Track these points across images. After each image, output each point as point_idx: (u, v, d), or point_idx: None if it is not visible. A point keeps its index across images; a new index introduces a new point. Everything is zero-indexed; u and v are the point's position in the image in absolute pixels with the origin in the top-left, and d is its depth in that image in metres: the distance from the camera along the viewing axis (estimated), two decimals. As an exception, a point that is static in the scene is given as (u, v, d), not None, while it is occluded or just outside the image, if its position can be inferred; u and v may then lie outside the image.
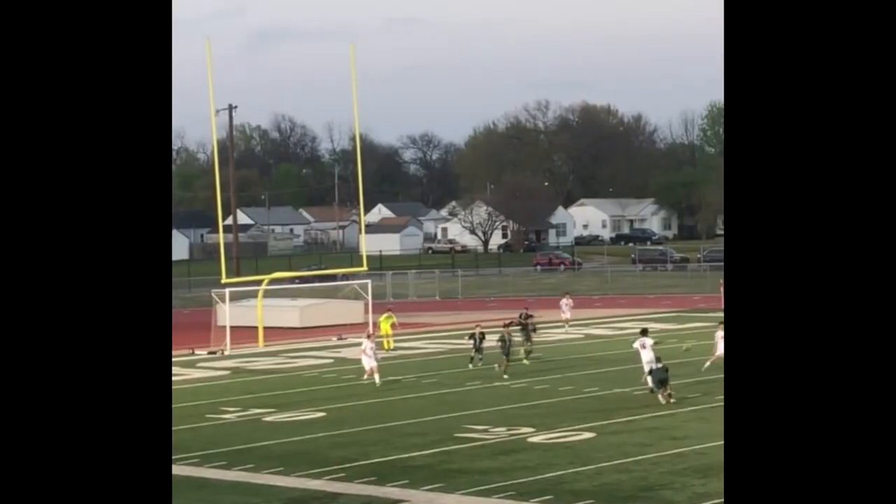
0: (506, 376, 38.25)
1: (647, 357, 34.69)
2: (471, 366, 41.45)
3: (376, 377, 37.29)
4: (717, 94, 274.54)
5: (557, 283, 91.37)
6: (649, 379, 33.64)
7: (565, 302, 57.20)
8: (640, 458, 25.16)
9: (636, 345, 35.65)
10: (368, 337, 39.37)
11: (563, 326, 55.42)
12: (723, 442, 26.99)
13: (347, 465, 25.20)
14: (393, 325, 50.60)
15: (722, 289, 67.34)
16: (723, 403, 32.31)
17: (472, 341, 42.27)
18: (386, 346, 49.52)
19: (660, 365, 33.05)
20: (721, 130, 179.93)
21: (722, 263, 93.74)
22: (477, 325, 44.17)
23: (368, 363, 38.04)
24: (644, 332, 36.24)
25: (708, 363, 38.26)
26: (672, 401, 32.33)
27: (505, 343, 39.76)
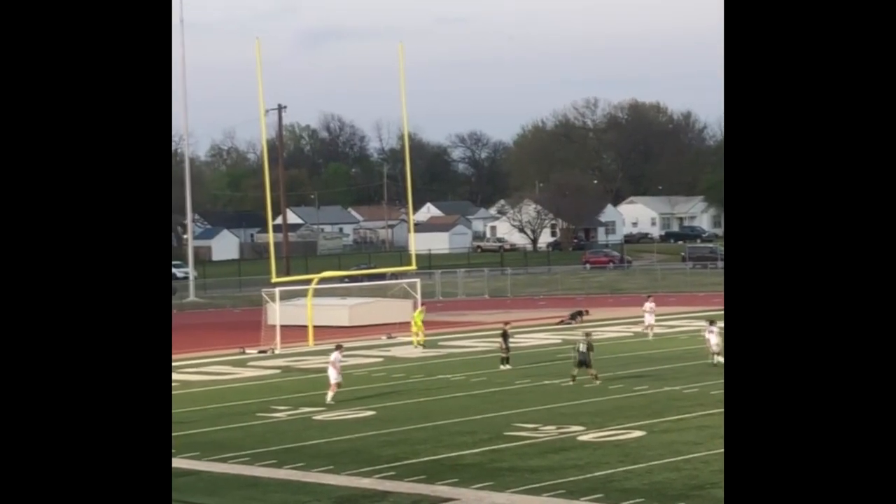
0: (597, 381, 36.57)
1: (714, 340, 39.31)
2: (503, 367, 41.09)
3: (330, 394, 34.25)
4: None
5: (606, 282, 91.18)
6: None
7: (650, 306, 52.11)
8: (690, 456, 25.07)
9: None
10: (339, 349, 35.95)
11: (646, 335, 50.68)
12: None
13: (397, 464, 25.25)
14: (423, 321, 50.88)
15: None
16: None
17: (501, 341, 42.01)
18: (415, 342, 49.70)
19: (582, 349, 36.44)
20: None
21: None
22: (507, 324, 44.09)
23: (334, 377, 34.61)
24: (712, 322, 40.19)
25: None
26: (597, 382, 35.81)
27: (588, 349, 37.28)
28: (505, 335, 42.07)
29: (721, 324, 39.64)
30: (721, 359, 39.11)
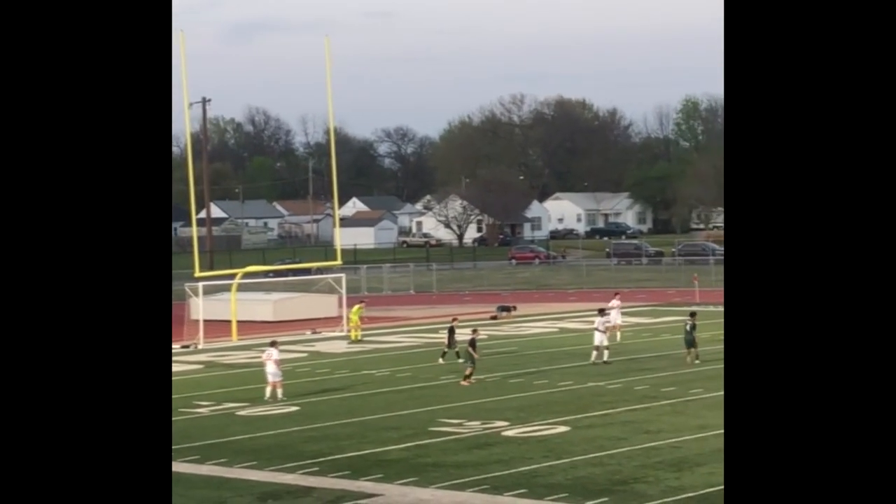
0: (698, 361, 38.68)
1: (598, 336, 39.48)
2: (441, 360, 41.31)
3: (268, 391, 33.89)
4: (691, 89, 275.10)
5: (532, 277, 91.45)
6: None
7: (616, 303, 47.71)
8: (614, 451, 25.17)
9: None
10: (273, 345, 34.92)
11: (614, 336, 45.29)
12: (697, 435, 27.13)
13: (321, 459, 25.12)
14: (361, 318, 50.82)
15: (696, 282, 67.56)
16: (697, 398, 32.60)
17: (447, 335, 42.10)
18: (353, 336, 49.71)
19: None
20: (695, 124, 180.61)
21: (696, 257, 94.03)
22: (454, 319, 44.16)
23: (273, 375, 34.03)
24: (602, 312, 40.75)
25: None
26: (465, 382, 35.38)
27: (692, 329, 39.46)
28: (451, 330, 42.21)
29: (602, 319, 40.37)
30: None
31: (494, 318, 58.13)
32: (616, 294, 50.92)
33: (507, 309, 59.63)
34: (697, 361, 38.82)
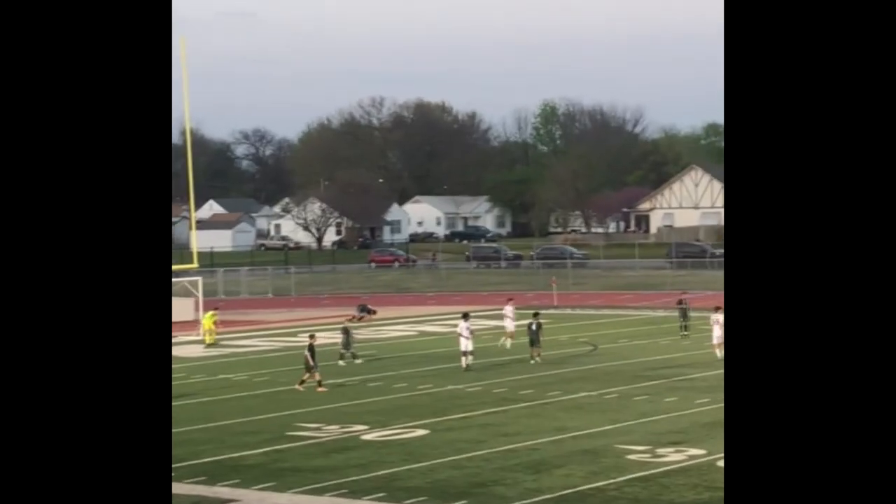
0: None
1: (465, 342, 39.18)
2: (341, 362, 41.22)
3: None
4: (549, 93, 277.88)
5: (391, 280, 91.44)
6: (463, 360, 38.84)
7: (509, 309, 46.23)
8: (472, 454, 25.23)
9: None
10: None
11: (505, 345, 45.02)
12: (554, 438, 27.36)
13: (177, 465, 24.66)
14: (216, 323, 50.37)
15: (554, 286, 68.20)
16: (554, 400, 32.89)
17: (342, 336, 42.33)
18: (207, 340, 49.30)
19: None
20: (554, 129, 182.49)
21: (554, 260, 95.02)
22: (346, 319, 44.18)
23: None
24: (466, 317, 40.38)
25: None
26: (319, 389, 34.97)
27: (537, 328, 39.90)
28: (346, 331, 42.48)
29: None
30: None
31: (353, 319, 57.99)
32: (509, 300, 48.80)
33: (368, 311, 59.49)
34: (538, 360, 40.24)
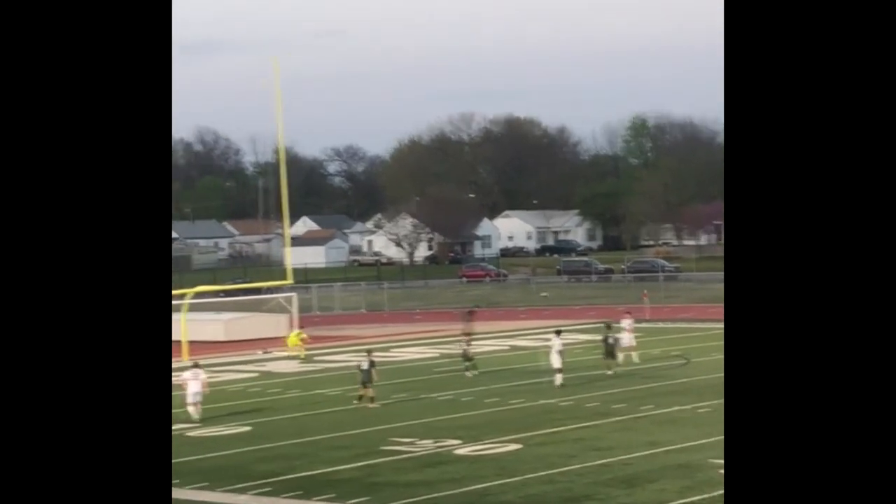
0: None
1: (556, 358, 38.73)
2: (468, 374, 42.19)
3: (192, 410, 33.95)
4: (639, 106, 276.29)
5: (482, 295, 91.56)
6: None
7: (628, 323, 46.09)
8: (565, 469, 25.27)
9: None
10: (197, 366, 35.67)
11: (630, 356, 44.67)
12: (648, 452, 27.27)
13: (273, 480, 25.07)
14: (303, 339, 50.89)
15: (646, 299, 67.89)
16: (647, 414, 32.74)
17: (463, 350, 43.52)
18: (301, 355, 49.87)
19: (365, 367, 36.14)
20: (644, 142, 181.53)
21: (646, 274, 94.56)
22: (464, 334, 45.43)
23: (194, 396, 34.16)
24: (558, 333, 40.56)
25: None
26: (372, 405, 35.12)
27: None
28: (465, 345, 43.67)
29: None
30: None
31: (471, 313, 58.38)
32: (627, 313, 48.12)
33: (472, 312, 59.72)
34: (612, 372, 40.90)
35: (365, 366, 36.24)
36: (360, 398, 35.77)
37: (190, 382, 34.24)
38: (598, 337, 45.23)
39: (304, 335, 51.58)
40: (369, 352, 37.78)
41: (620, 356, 43.67)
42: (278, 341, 54.56)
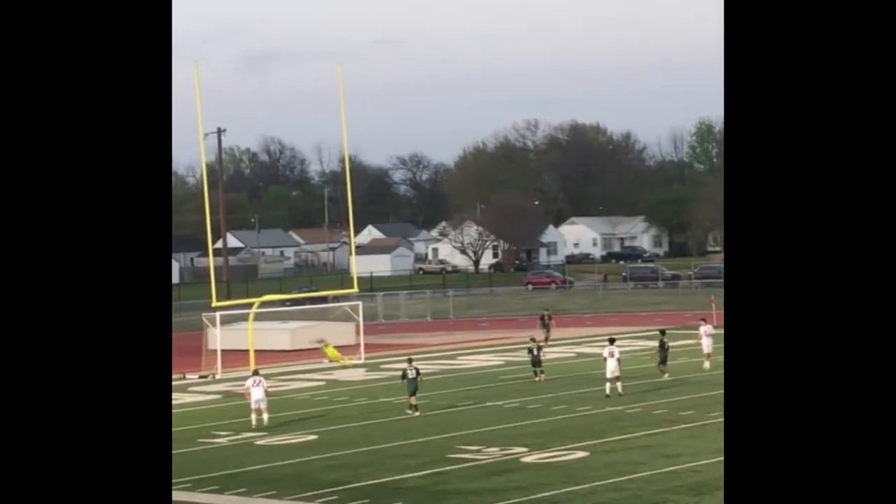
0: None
1: (611, 366, 38.09)
2: (537, 379, 42.69)
3: (254, 418, 34.35)
4: (705, 112, 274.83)
5: (549, 302, 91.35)
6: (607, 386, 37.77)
7: (706, 329, 45.44)
8: (633, 476, 25.09)
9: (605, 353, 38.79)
10: (256, 374, 35.84)
11: (705, 363, 44.50)
12: (716, 459, 26.96)
13: (340, 488, 25.09)
14: (337, 351, 50.78)
15: (714, 305, 67.34)
16: (716, 421, 32.39)
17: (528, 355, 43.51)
18: (343, 362, 50.06)
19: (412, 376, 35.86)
20: (710, 147, 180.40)
21: (713, 280, 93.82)
22: (532, 339, 45.06)
23: (259, 402, 34.40)
24: (612, 341, 39.74)
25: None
26: (416, 413, 35.11)
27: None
28: (531, 350, 43.61)
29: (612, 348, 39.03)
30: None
31: (537, 340, 58.25)
32: (702, 319, 46.92)
33: (547, 319, 59.60)
34: (667, 378, 41.26)
35: (412, 374, 36.11)
36: (413, 407, 35.75)
37: (253, 390, 34.44)
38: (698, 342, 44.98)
39: (330, 344, 51.31)
40: (410, 360, 37.78)
41: (707, 363, 44.00)
42: (347, 350, 54.68)
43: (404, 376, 36.32)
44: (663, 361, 42.11)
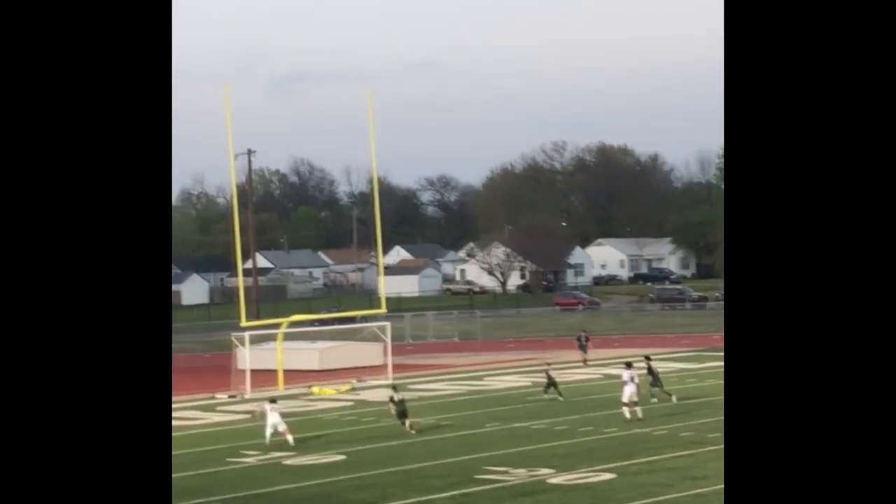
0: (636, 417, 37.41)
1: (629, 391, 37.50)
2: (555, 396, 43.14)
3: (268, 433, 35.20)
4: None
5: (576, 324, 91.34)
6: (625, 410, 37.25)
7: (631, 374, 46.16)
8: (660, 498, 25.15)
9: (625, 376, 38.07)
10: (273, 401, 36.56)
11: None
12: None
13: (368, 508, 25.22)
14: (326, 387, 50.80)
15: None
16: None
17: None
18: (343, 389, 50.05)
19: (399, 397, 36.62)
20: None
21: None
22: (548, 364, 45.63)
23: (278, 426, 35.17)
24: (629, 365, 38.84)
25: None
26: (412, 432, 35.73)
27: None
28: (548, 373, 44.21)
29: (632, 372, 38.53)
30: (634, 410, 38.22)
31: (581, 340, 58.52)
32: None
33: (584, 340, 59.61)
34: (673, 399, 41.13)
35: (397, 398, 37.22)
36: (411, 427, 36.36)
37: (270, 415, 35.29)
38: (693, 365, 44.84)
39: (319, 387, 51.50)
40: (395, 387, 39.01)
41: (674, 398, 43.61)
42: (375, 370, 54.83)
43: (392, 401, 37.37)
44: (658, 386, 42.15)
